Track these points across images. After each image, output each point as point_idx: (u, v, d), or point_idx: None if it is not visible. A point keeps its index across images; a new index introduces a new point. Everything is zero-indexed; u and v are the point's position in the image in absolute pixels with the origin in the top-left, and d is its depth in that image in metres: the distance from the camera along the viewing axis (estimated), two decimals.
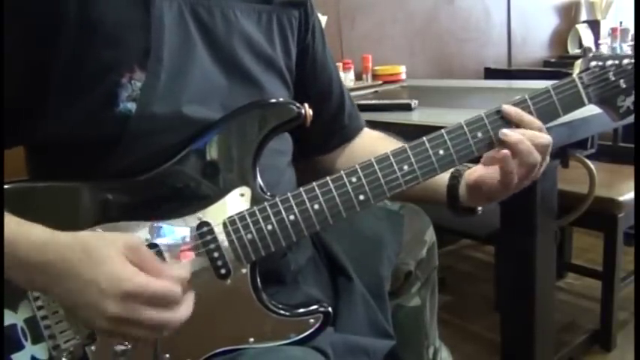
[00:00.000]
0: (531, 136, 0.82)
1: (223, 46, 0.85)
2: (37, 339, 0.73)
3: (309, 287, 0.96)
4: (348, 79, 2.41)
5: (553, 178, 1.52)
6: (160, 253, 0.75)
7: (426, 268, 1.17)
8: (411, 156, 0.82)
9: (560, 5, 3.67)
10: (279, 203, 0.78)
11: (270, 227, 0.78)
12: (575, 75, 0.87)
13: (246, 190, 0.79)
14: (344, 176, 0.80)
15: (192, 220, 0.77)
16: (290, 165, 0.98)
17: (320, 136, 1.04)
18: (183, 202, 0.78)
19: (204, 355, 0.78)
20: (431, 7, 2.97)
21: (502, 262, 1.99)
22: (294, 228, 0.78)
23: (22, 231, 0.66)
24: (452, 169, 0.90)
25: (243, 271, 0.78)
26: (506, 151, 0.81)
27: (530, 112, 0.84)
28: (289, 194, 0.79)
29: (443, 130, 0.83)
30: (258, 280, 0.80)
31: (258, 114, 0.82)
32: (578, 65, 0.88)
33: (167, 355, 0.76)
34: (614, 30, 3.70)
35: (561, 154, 1.45)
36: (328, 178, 0.80)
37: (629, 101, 0.87)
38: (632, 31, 3.71)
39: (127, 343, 0.73)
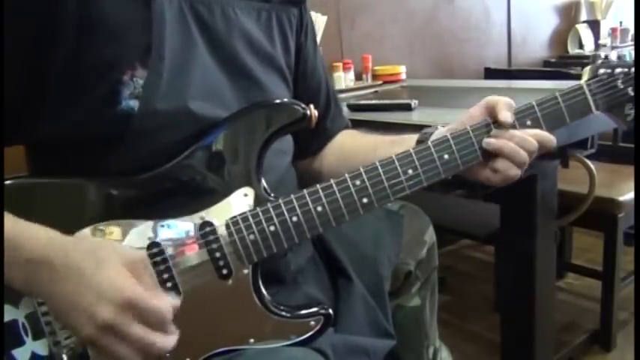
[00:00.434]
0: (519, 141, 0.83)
1: (223, 43, 0.85)
2: (37, 335, 0.73)
3: (310, 287, 0.96)
4: (348, 79, 2.41)
5: (553, 178, 1.52)
6: (161, 252, 0.75)
7: (426, 268, 1.17)
8: (416, 160, 0.82)
9: (560, 5, 3.67)
10: (282, 204, 0.78)
11: (272, 228, 0.78)
12: (583, 82, 0.86)
13: (249, 191, 0.79)
14: (348, 179, 0.80)
15: (195, 219, 0.77)
16: (291, 165, 0.98)
17: (301, 140, 1.02)
18: (187, 201, 0.78)
19: (205, 355, 0.78)
20: (431, 6, 2.97)
21: (502, 262, 2.00)
22: (297, 229, 0.78)
23: (24, 229, 0.67)
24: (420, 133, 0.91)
25: (245, 271, 0.78)
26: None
27: (536, 118, 0.84)
28: (292, 196, 0.79)
29: (448, 135, 0.83)
30: (260, 280, 0.80)
31: (263, 114, 0.82)
32: (587, 72, 0.88)
33: (167, 354, 0.76)
34: (614, 30, 3.70)
35: (561, 154, 1.45)
36: (332, 180, 0.80)
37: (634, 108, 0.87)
38: (632, 31, 3.72)
39: None
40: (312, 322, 0.81)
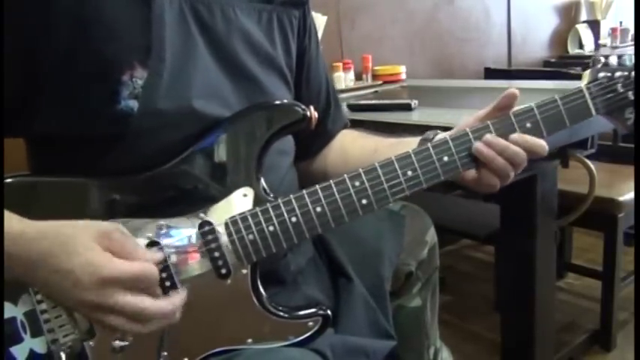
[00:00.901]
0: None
1: (224, 44, 0.85)
2: (36, 332, 0.73)
3: (310, 288, 0.96)
4: (348, 79, 2.41)
5: (553, 178, 1.52)
6: (160, 251, 0.75)
7: (427, 269, 1.17)
8: (415, 161, 0.81)
9: (560, 5, 3.67)
10: (281, 205, 0.78)
11: (271, 228, 0.78)
12: (583, 85, 0.86)
13: (249, 191, 0.79)
14: (347, 180, 0.80)
15: (195, 219, 0.77)
16: (292, 165, 0.98)
17: (302, 141, 1.02)
18: (186, 200, 0.78)
19: (202, 354, 0.78)
20: (431, 7, 2.97)
21: (502, 262, 2.00)
22: (296, 230, 0.78)
23: (8, 225, 0.66)
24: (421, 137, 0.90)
25: (244, 271, 0.78)
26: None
27: (536, 122, 0.84)
28: (292, 196, 0.79)
29: (448, 137, 0.83)
30: (259, 281, 0.80)
31: (264, 115, 0.82)
32: (586, 75, 0.87)
33: (165, 353, 0.76)
34: (614, 30, 3.70)
35: (561, 154, 1.45)
36: (332, 181, 0.80)
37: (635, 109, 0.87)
38: (632, 31, 3.71)
39: (124, 338, 0.73)
40: (311, 323, 0.81)
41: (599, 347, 1.94)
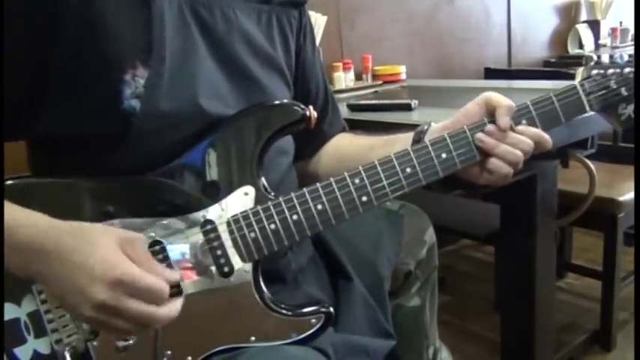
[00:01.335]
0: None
1: (224, 44, 0.85)
2: (39, 333, 0.73)
3: (310, 287, 0.96)
4: (348, 79, 2.41)
5: (553, 178, 1.52)
6: (163, 250, 0.76)
7: (426, 268, 1.17)
8: (414, 159, 0.82)
9: (560, 5, 3.67)
10: (282, 203, 0.79)
11: (273, 227, 0.78)
12: (576, 82, 0.87)
13: (250, 190, 0.80)
14: (347, 178, 0.80)
15: (197, 218, 0.78)
16: (291, 165, 0.98)
17: (298, 142, 1.02)
18: (188, 200, 0.78)
19: (206, 353, 0.78)
20: (431, 7, 2.97)
21: (502, 262, 2.00)
22: (297, 228, 0.79)
23: (23, 215, 0.68)
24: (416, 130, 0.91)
25: (246, 270, 0.78)
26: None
27: (532, 118, 0.85)
28: (293, 194, 0.79)
29: (445, 134, 0.83)
30: (261, 278, 0.80)
31: (264, 115, 0.82)
32: (580, 73, 0.89)
33: (168, 352, 0.76)
34: (614, 30, 3.70)
35: (561, 154, 1.45)
36: (332, 179, 0.80)
37: (631, 109, 0.88)
38: (632, 31, 3.72)
39: (128, 338, 0.73)
40: (313, 320, 0.81)
41: (599, 347, 1.94)
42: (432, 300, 1.21)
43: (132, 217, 0.76)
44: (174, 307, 0.71)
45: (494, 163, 0.83)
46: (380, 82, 2.49)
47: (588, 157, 1.57)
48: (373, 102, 1.83)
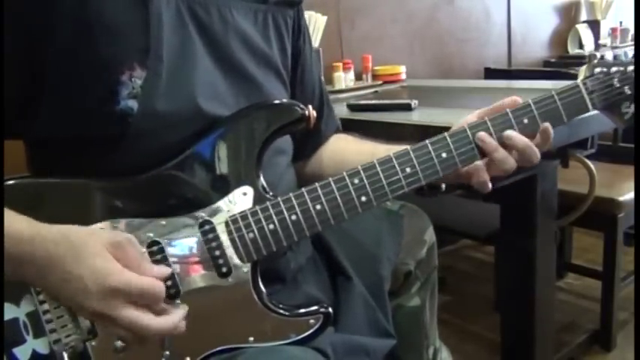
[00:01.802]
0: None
1: (221, 44, 0.85)
2: (38, 333, 0.73)
3: (309, 287, 0.96)
4: (348, 79, 2.41)
5: (553, 178, 1.52)
6: (161, 250, 0.76)
7: (426, 268, 1.17)
8: (414, 158, 0.82)
9: (560, 5, 3.67)
10: (281, 203, 0.79)
11: (271, 227, 0.78)
12: (579, 81, 0.87)
13: (248, 190, 0.80)
14: (346, 177, 0.80)
15: (195, 218, 0.77)
16: (290, 164, 0.98)
17: (296, 142, 1.02)
18: (186, 200, 0.78)
19: (204, 353, 0.78)
20: (431, 7, 2.97)
21: (502, 262, 2.00)
22: (296, 228, 0.79)
23: (9, 224, 0.67)
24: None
25: (245, 270, 0.78)
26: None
27: (533, 117, 0.84)
28: (291, 194, 0.79)
29: (446, 133, 0.83)
30: (260, 279, 0.80)
31: (262, 115, 0.82)
32: (583, 71, 0.88)
33: (167, 352, 0.76)
34: (614, 30, 3.70)
35: (561, 154, 1.45)
36: (331, 179, 0.80)
37: (634, 107, 0.87)
38: (632, 31, 3.71)
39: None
40: (312, 321, 0.81)
41: (599, 347, 1.94)
42: (432, 300, 1.21)
43: (130, 217, 0.76)
44: (172, 318, 0.71)
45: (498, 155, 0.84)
46: (380, 82, 2.49)
47: (588, 157, 1.57)
48: (373, 102, 1.82)
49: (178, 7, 0.81)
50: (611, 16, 3.76)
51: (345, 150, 1.08)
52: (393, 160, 0.81)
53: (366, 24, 2.70)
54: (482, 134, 0.83)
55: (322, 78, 1.14)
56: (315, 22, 2.27)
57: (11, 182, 0.75)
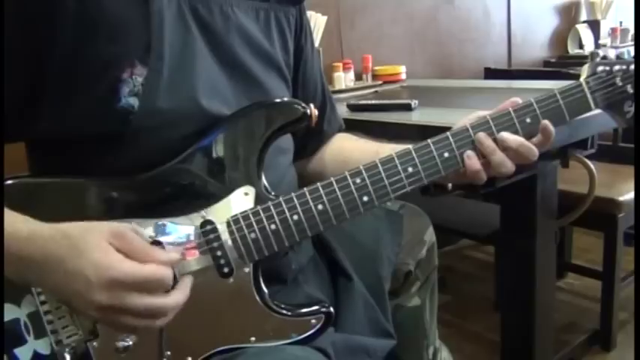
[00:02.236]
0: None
1: (222, 42, 0.85)
2: (39, 334, 0.73)
3: (310, 287, 0.96)
4: (348, 79, 2.41)
5: (553, 178, 1.52)
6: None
7: (426, 268, 1.17)
8: (416, 157, 0.82)
9: (560, 5, 3.67)
10: (282, 203, 0.78)
11: (273, 227, 0.78)
12: (582, 79, 0.86)
13: (250, 190, 0.80)
14: (348, 177, 0.80)
15: (196, 218, 0.77)
16: (291, 164, 0.98)
17: (298, 141, 1.02)
18: (188, 200, 0.78)
19: (206, 353, 0.78)
20: (431, 7, 2.97)
21: (502, 262, 2.00)
22: (298, 228, 0.79)
23: (8, 224, 0.67)
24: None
25: (246, 270, 0.78)
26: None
27: (536, 116, 0.84)
28: (293, 194, 0.79)
29: (448, 133, 0.83)
30: (261, 279, 0.80)
31: (264, 113, 0.82)
32: (585, 70, 0.87)
33: (168, 353, 0.76)
34: (614, 30, 3.70)
35: (561, 154, 1.45)
36: (332, 178, 0.80)
37: (634, 107, 0.87)
38: (632, 31, 3.71)
39: (128, 339, 0.73)
40: (313, 321, 0.81)
41: (599, 347, 1.94)
42: (432, 300, 1.21)
43: (131, 216, 0.76)
44: (181, 291, 0.71)
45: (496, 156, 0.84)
46: (380, 82, 2.49)
47: (588, 157, 1.57)
48: (373, 102, 1.83)
49: (180, 4, 0.80)
50: (611, 16, 3.76)
51: (348, 149, 1.08)
52: (395, 159, 0.81)
53: (366, 24, 2.70)
54: (480, 135, 0.83)
55: (324, 77, 1.14)
56: (315, 22, 2.27)
57: (11, 182, 0.75)
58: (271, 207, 0.78)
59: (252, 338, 0.79)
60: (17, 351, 0.72)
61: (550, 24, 3.65)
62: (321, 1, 2.41)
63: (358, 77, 2.54)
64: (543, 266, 1.54)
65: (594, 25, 3.67)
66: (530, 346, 1.58)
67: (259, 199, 0.79)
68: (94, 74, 0.74)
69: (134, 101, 0.75)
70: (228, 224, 0.77)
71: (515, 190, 1.40)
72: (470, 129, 0.84)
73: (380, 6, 2.75)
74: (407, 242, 1.13)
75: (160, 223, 0.76)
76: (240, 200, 0.79)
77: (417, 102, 1.72)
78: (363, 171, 0.80)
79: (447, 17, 3.05)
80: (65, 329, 0.73)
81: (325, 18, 2.34)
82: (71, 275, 0.65)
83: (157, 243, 0.75)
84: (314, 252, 1.02)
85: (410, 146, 0.82)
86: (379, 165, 0.81)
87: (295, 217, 0.78)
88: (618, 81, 0.86)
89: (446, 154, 0.83)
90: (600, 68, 0.87)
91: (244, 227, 0.78)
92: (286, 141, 0.96)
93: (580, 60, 3.16)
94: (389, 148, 0.97)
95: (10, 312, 0.72)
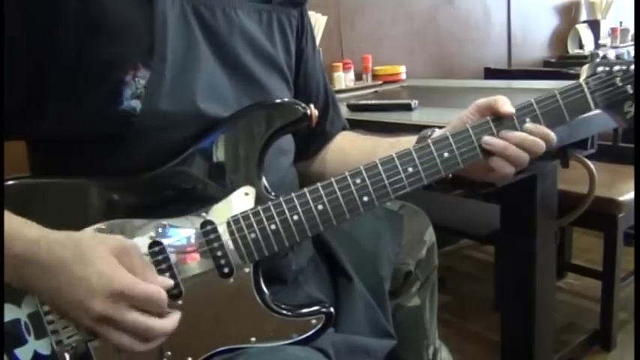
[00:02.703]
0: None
1: (225, 44, 0.85)
2: (40, 334, 0.73)
3: (310, 287, 0.96)
4: (348, 79, 2.41)
5: (553, 178, 1.52)
6: (163, 251, 0.76)
7: (426, 268, 1.17)
8: (416, 158, 0.82)
9: (560, 5, 3.67)
10: (282, 203, 0.79)
11: (273, 227, 0.78)
12: (581, 80, 0.86)
13: (250, 190, 0.80)
14: (348, 177, 0.80)
15: (197, 218, 0.77)
16: (292, 165, 0.98)
17: (300, 141, 1.03)
18: (188, 200, 0.78)
19: (206, 354, 0.78)
20: (431, 7, 2.97)
21: (502, 262, 2.00)
22: (298, 228, 0.79)
23: (16, 227, 0.67)
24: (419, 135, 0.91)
25: (246, 270, 0.78)
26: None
27: (536, 117, 0.84)
28: (293, 194, 0.79)
29: (448, 133, 0.83)
30: (261, 279, 0.80)
31: (264, 114, 0.82)
32: (585, 70, 0.88)
33: (169, 353, 0.76)
34: (614, 30, 3.70)
35: (561, 154, 1.45)
36: (333, 179, 0.80)
37: (634, 108, 0.87)
38: (632, 31, 3.71)
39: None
40: (314, 321, 0.81)
41: (599, 347, 1.94)
42: (432, 300, 1.21)
43: (131, 217, 0.76)
44: (171, 320, 0.72)
45: (497, 162, 0.84)
46: (380, 82, 2.49)
47: (588, 157, 1.57)
48: (373, 102, 1.83)
49: (183, 7, 0.80)
50: (611, 16, 3.76)
51: (347, 148, 1.08)
52: (396, 159, 0.81)
53: (366, 24, 2.70)
54: (487, 138, 0.83)
55: (327, 78, 1.14)
56: (315, 22, 2.27)
57: (11, 182, 0.75)
58: (271, 207, 0.78)
59: (253, 338, 0.79)
60: (18, 351, 0.72)
61: (550, 24, 3.65)
62: (321, 1, 2.41)
63: (358, 77, 2.55)
64: (543, 266, 1.54)
65: (594, 25, 3.67)
66: (530, 346, 1.58)
67: (259, 199, 0.80)
68: (96, 76, 0.74)
69: (136, 104, 0.75)
70: (229, 224, 0.78)
71: (515, 190, 1.40)
72: (470, 129, 0.84)
73: (380, 6, 2.75)
74: (407, 242, 1.13)
75: (160, 223, 0.76)
76: (241, 200, 0.79)
77: (417, 102, 1.72)
78: (363, 171, 0.80)
79: (447, 17, 3.05)
80: (65, 329, 0.73)
81: (325, 18, 2.34)
82: (75, 281, 0.66)
83: (157, 243, 0.75)
84: (314, 252, 1.02)
85: (410, 147, 0.82)
86: (379, 165, 0.81)
87: (295, 217, 0.78)
88: (618, 81, 0.86)
89: (446, 155, 0.83)
90: (600, 69, 0.87)
91: (244, 227, 0.78)
92: (287, 142, 0.96)
93: (580, 60, 3.16)
94: (386, 143, 0.97)
95: (11, 312, 0.72)
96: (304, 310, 0.82)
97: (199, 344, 0.78)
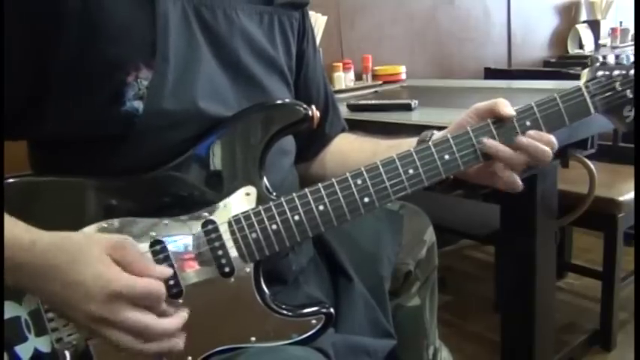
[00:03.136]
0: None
1: (226, 46, 0.85)
2: (40, 331, 0.73)
3: (311, 287, 0.96)
4: (348, 79, 2.41)
5: (553, 178, 1.52)
6: (164, 249, 0.76)
7: (426, 268, 1.17)
8: (417, 160, 0.82)
9: (560, 5, 3.67)
10: (284, 203, 0.79)
11: (274, 227, 0.78)
12: (581, 84, 0.87)
13: (251, 190, 0.80)
14: (349, 178, 0.80)
15: (198, 218, 0.78)
16: (293, 165, 0.98)
17: (301, 143, 1.03)
18: (190, 200, 0.78)
19: (206, 353, 0.78)
20: (431, 7, 2.98)
21: (502, 262, 2.00)
22: (299, 228, 0.79)
23: (8, 231, 0.67)
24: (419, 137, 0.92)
25: (247, 270, 0.78)
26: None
27: (536, 120, 0.85)
28: (294, 195, 0.79)
29: (449, 135, 0.83)
30: (262, 279, 0.80)
31: (266, 115, 0.82)
32: (585, 74, 0.88)
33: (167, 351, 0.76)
34: (614, 30, 3.70)
35: (561, 154, 1.45)
36: (334, 179, 0.80)
37: (634, 112, 0.87)
38: (632, 31, 3.71)
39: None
40: (314, 321, 0.81)
41: (599, 347, 1.94)
42: (432, 300, 1.21)
43: (133, 216, 0.76)
44: (175, 320, 0.72)
45: (496, 165, 0.84)
46: (380, 82, 2.49)
47: (588, 157, 1.57)
48: (373, 102, 1.83)
49: (184, 8, 0.80)
50: (611, 16, 3.76)
51: (346, 150, 1.08)
52: (396, 161, 0.82)
53: (366, 24, 2.71)
54: (483, 139, 0.83)
55: (327, 79, 1.14)
56: (315, 22, 2.27)
57: (12, 180, 0.75)
58: (273, 207, 0.78)
59: (253, 338, 0.79)
60: (18, 349, 0.73)
61: (550, 24, 3.65)
62: (321, 1, 2.41)
63: (358, 77, 2.55)
64: (543, 266, 1.54)
65: (594, 25, 3.67)
66: (530, 346, 1.58)
67: (261, 199, 0.80)
68: (99, 76, 0.74)
69: (138, 104, 0.75)
70: (230, 224, 0.78)
71: None
72: (470, 132, 0.84)
73: (380, 6, 2.75)
74: (407, 242, 1.13)
75: (161, 222, 0.76)
76: (242, 200, 0.79)
77: (417, 102, 1.72)
78: (364, 172, 0.81)
79: (447, 17, 3.05)
80: (66, 327, 0.73)
81: (325, 18, 2.34)
82: (70, 285, 0.67)
83: (158, 242, 0.75)
84: (314, 253, 1.03)
85: (411, 148, 0.83)
86: (380, 167, 0.81)
87: (296, 217, 0.79)
88: (618, 86, 0.87)
89: (446, 157, 0.83)
90: (600, 73, 0.87)
91: (246, 227, 0.78)
92: (288, 143, 0.96)
93: (580, 60, 3.16)
94: (386, 146, 0.98)
95: (11, 310, 0.72)
96: (304, 311, 0.82)
97: (199, 343, 0.78)
